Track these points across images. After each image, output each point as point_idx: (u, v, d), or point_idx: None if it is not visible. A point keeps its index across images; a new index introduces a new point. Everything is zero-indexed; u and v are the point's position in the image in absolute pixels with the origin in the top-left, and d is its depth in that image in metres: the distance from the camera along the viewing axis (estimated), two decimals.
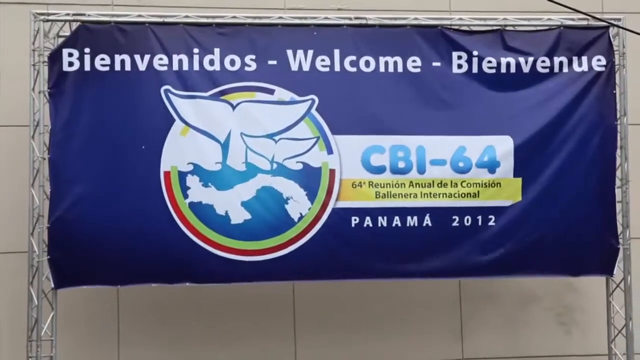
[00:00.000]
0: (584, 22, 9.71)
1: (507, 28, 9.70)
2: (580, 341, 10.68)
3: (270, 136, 9.31)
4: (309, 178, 9.32)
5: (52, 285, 9.10)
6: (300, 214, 9.28)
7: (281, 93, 9.36)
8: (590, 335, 10.56)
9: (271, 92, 9.35)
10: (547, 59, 9.67)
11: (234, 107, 9.29)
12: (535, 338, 10.65)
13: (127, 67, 9.19)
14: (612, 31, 9.73)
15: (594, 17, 9.57)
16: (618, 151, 9.70)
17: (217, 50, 9.31)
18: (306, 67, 9.43)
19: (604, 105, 9.69)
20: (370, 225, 9.35)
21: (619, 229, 9.65)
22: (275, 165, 9.29)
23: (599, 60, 9.71)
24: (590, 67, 9.71)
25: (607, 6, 10.82)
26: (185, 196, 9.17)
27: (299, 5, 10.38)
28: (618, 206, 9.67)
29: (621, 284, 9.74)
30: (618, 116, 9.69)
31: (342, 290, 10.15)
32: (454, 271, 9.57)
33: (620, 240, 9.65)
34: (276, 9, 10.18)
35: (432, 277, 9.61)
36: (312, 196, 9.30)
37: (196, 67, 9.28)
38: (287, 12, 9.89)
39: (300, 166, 9.32)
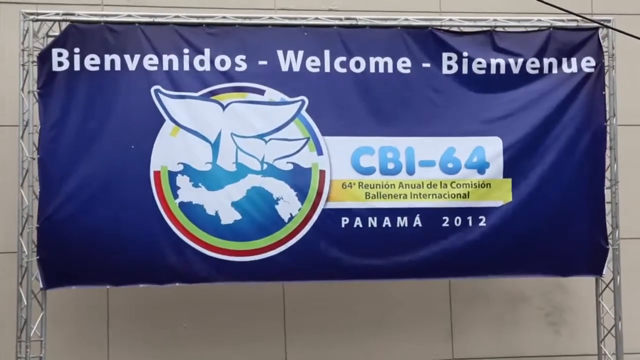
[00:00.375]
0: (574, 24, 9.68)
1: (497, 29, 9.66)
2: (570, 341, 10.65)
3: (261, 137, 9.26)
4: (299, 179, 9.27)
5: (42, 286, 9.01)
6: (291, 214, 9.23)
7: (271, 94, 9.31)
8: (580, 335, 10.54)
9: (261, 92, 9.30)
10: (536, 60, 9.64)
11: (224, 108, 9.24)
12: (525, 338, 10.62)
13: (117, 67, 9.13)
14: (602, 32, 9.71)
15: (583, 18, 9.53)
16: (607, 152, 9.67)
17: (207, 51, 9.26)
18: (296, 68, 9.38)
19: (594, 106, 9.66)
20: (361, 225, 9.31)
21: (609, 229, 9.63)
22: (265, 166, 9.24)
23: (588, 61, 9.68)
24: (579, 69, 9.68)
25: (597, 7, 10.82)
26: (175, 196, 9.11)
27: (289, 6, 10.34)
28: (607, 207, 9.64)
29: (610, 284, 9.71)
30: (607, 117, 9.66)
31: (333, 291, 10.11)
32: (444, 271, 9.54)
33: (610, 241, 9.62)
34: (266, 10, 10.14)
35: (422, 277, 9.57)
36: (302, 197, 9.26)
37: (186, 67, 9.22)
38: (277, 13, 9.84)
39: (290, 167, 9.27)
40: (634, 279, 10.34)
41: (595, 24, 9.66)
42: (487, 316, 10.60)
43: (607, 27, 9.62)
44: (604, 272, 9.65)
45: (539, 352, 10.61)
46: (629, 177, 10.27)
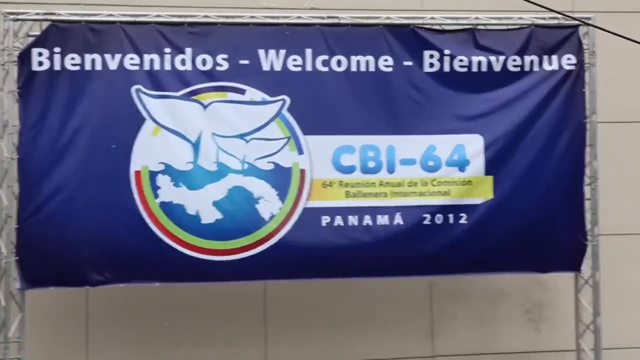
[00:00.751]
0: (555, 21, 9.27)
1: (479, 27, 9.23)
2: (549, 337, 10.29)
3: (242, 136, 8.83)
4: (279, 178, 8.86)
5: (19, 286, 8.59)
6: (271, 213, 8.82)
7: (252, 93, 8.88)
8: (559, 331, 10.17)
9: (242, 92, 8.87)
10: (518, 58, 9.23)
11: (205, 107, 8.80)
12: (505, 334, 10.26)
13: (98, 67, 8.68)
14: (582, 30, 9.30)
15: (564, 16, 9.16)
16: (587, 149, 9.27)
17: (188, 50, 8.82)
18: (278, 67, 8.95)
19: (574, 104, 9.26)
20: (341, 224, 8.90)
21: (588, 225, 9.24)
22: (246, 165, 8.82)
23: (569, 59, 9.27)
24: (560, 66, 9.27)
25: (578, 5, 10.42)
26: (156, 196, 8.68)
27: (271, 5, 9.88)
28: (587, 203, 9.25)
29: (589, 280, 9.35)
30: (587, 114, 9.26)
31: (313, 290, 9.69)
32: (425, 269, 9.13)
33: (589, 237, 9.23)
34: (248, 8, 9.65)
35: (403, 275, 9.17)
36: (283, 196, 8.85)
37: (167, 66, 8.78)
38: (259, 12, 9.35)
39: (271, 166, 8.86)
40: (613, 275, 9.96)
41: (576, 22, 9.26)
42: (467, 313, 10.24)
43: (588, 24, 9.24)
44: (583, 268, 9.27)
45: (519, 348, 10.24)
46: (608, 174, 9.87)
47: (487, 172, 9.09)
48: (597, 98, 9.32)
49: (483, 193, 9.08)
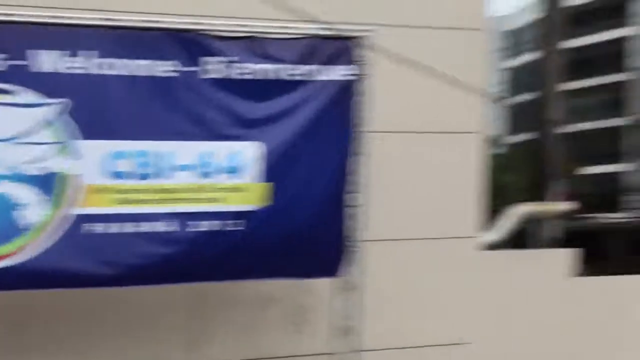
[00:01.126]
0: (335, 32, 8.89)
1: (262, 35, 8.74)
2: (311, 340, 10.02)
3: (9, 140, 7.96)
4: (48, 184, 8.07)
5: None
6: (36, 221, 8.03)
7: (28, 95, 8.03)
8: (321, 334, 9.83)
9: (17, 93, 8.01)
10: (297, 67, 8.81)
11: None
12: (272, 339, 9.93)
13: None
14: (361, 42, 8.95)
15: (344, 29, 8.85)
16: (359, 158, 8.99)
17: None
18: (58, 69, 8.12)
19: (349, 114, 8.94)
20: (114, 231, 8.26)
21: (354, 232, 8.98)
22: (11, 171, 7.96)
23: (346, 69, 8.92)
24: (338, 76, 8.91)
25: (359, 17, 9.97)
26: None
27: (54, 4, 8.98)
28: (355, 210, 8.98)
29: (351, 285, 9.08)
30: (360, 124, 8.97)
31: (78, 300, 8.98)
32: (202, 276, 8.66)
33: (354, 243, 8.97)
34: (29, 7, 8.67)
35: (175, 282, 8.65)
36: (50, 203, 8.07)
37: None
38: (41, 10, 8.43)
39: (39, 172, 8.04)
40: (374, 279, 9.60)
41: (356, 34, 8.95)
42: (237, 319, 9.82)
43: (366, 37, 8.94)
44: (345, 273, 9.02)
45: (283, 353, 9.95)
46: (377, 182, 9.50)
47: (264, 179, 8.68)
48: (371, 109, 9.01)
49: (259, 200, 8.68)
